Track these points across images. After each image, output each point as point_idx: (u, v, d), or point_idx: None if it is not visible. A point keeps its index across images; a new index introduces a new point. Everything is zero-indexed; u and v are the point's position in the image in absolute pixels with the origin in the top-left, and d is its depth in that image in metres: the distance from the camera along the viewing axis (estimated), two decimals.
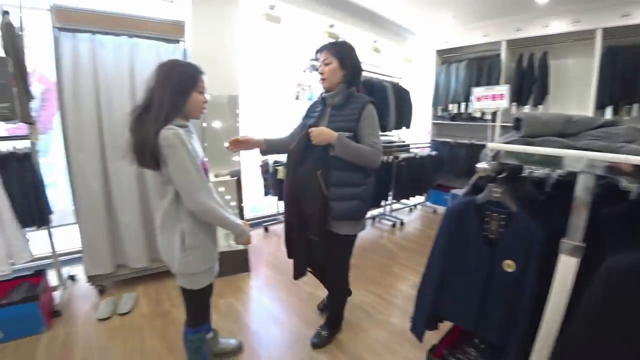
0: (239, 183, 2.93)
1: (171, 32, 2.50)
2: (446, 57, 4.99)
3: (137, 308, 2.30)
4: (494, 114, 4.18)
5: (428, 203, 5.25)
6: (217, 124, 2.87)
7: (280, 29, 3.57)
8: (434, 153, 4.79)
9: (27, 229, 2.15)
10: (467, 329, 1.43)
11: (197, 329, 1.50)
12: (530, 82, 4.09)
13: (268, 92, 4.15)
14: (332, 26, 3.88)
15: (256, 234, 3.77)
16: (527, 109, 4.15)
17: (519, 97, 4.16)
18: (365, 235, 3.95)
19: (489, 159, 1.08)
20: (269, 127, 4.11)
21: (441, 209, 4.98)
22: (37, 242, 2.21)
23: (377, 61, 4.71)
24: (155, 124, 1.20)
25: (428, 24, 4.78)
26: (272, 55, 4.04)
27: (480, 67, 4.44)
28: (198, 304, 1.51)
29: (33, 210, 2.11)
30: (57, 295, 2.30)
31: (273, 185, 3.74)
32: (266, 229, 3.93)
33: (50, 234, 2.29)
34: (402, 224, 4.30)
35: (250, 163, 3.75)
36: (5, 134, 2.28)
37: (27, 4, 2.05)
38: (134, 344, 1.94)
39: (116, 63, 2.34)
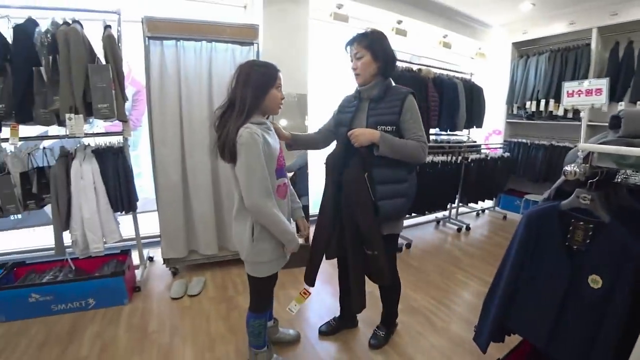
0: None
1: (246, 35, 2.64)
2: (524, 49, 4.55)
3: (205, 291, 2.49)
4: (576, 112, 3.71)
5: (497, 208, 4.91)
6: (286, 122, 2.95)
7: (348, 28, 3.57)
8: (506, 154, 4.44)
9: (117, 213, 2.44)
10: (537, 346, 1.31)
11: (259, 315, 1.58)
12: (627, 74, 3.55)
13: (335, 91, 4.17)
14: (400, 22, 3.78)
15: None
16: (621, 105, 3.61)
17: (612, 91, 3.64)
18: (429, 238, 3.82)
19: (579, 160, 0.96)
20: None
21: (512, 215, 4.61)
22: (123, 225, 2.50)
23: (448, 57, 4.48)
24: (237, 121, 1.29)
25: (504, 15, 4.40)
26: (340, 54, 4.04)
27: (565, 59, 3.97)
28: (262, 291, 1.58)
29: (123, 197, 2.39)
30: (138, 273, 2.59)
31: None
32: None
33: (135, 219, 2.58)
34: (468, 228, 4.07)
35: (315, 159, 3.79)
36: (104, 131, 2.62)
37: (123, 18, 2.35)
38: (200, 324, 2.10)
39: (196, 66, 2.54)
